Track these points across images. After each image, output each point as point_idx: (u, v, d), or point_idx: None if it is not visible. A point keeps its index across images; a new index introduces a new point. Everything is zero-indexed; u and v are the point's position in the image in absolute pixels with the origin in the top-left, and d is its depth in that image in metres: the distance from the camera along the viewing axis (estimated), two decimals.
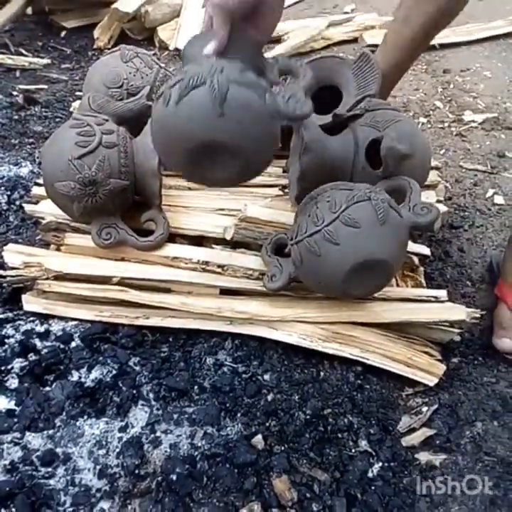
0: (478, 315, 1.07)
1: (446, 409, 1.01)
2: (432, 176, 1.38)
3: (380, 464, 0.92)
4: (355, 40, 2.46)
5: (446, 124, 1.91)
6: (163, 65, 1.29)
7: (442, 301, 1.09)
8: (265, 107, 0.82)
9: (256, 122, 0.82)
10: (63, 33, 2.32)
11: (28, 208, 1.20)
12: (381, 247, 0.92)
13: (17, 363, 1.01)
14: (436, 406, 1.01)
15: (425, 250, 1.21)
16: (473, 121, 1.92)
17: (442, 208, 1.28)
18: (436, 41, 2.41)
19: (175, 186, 1.26)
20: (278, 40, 2.39)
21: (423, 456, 0.94)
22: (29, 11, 2.35)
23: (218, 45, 0.86)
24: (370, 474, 0.91)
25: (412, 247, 1.20)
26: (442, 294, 1.10)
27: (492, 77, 2.22)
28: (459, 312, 1.05)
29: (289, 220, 1.12)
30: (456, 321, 1.06)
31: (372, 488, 0.89)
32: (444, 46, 2.43)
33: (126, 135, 1.08)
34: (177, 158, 0.85)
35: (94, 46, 2.25)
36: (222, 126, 0.79)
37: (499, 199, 1.55)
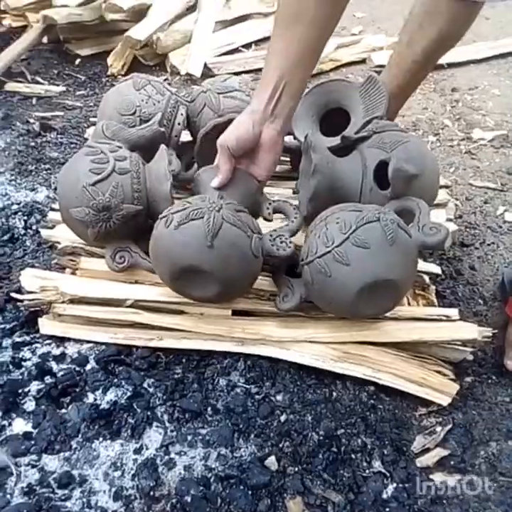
0: (490, 334, 1.07)
1: (461, 429, 1.01)
2: (442, 195, 1.39)
3: (395, 485, 0.92)
4: (363, 61, 2.49)
5: (455, 142, 1.92)
6: (174, 90, 1.32)
7: (454, 320, 1.09)
8: (250, 247, 0.98)
9: (240, 259, 0.97)
10: (78, 61, 2.38)
11: (45, 232, 1.23)
12: (390, 267, 0.92)
13: (34, 386, 1.03)
14: (450, 426, 1.01)
15: (436, 269, 1.22)
16: (482, 139, 1.93)
17: (452, 226, 1.29)
18: (444, 60, 2.44)
19: None
20: None
21: (438, 477, 0.93)
22: (45, 40, 2.42)
23: (221, 180, 1.06)
24: (384, 495, 0.90)
25: (423, 266, 1.20)
26: (454, 312, 1.10)
27: (501, 94, 2.24)
28: (471, 331, 1.05)
29: (299, 240, 1.14)
30: (468, 340, 1.06)
31: (387, 509, 0.88)
32: (452, 65, 2.45)
33: (138, 161, 1.11)
34: (167, 272, 1.00)
35: (108, 73, 2.30)
36: (209, 256, 0.94)
37: (510, 216, 1.55)
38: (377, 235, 0.92)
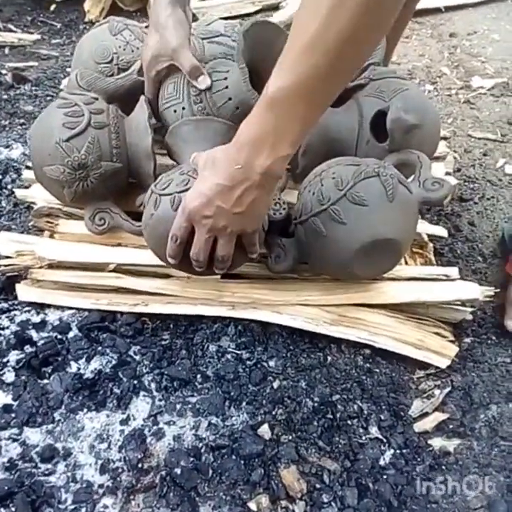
0: (492, 293, 1.02)
1: (460, 392, 0.98)
2: (441, 147, 1.32)
3: (392, 451, 0.89)
4: None
5: (453, 91, 1.84)
6: None
7: (453, 280, 1.04)
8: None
9: None
10: (53, 7, 2.24)
11: (20, 192, 1.16)
12: (391, 226, 0.87)
13: (13, 356, 0.98)
14: (448, 389, 0.98)
15: (442, 232, 1.16)
16: (481, 87, 1.85)
17: (452, 180, 1.22)
18: (441, 3, 2.32)
19: (170, 166, 1.20)
20: (275, 8, 2.30)
21: (436, 442, 0.90)
22: None
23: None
24: (381, 462, 0.87)
25: (427, 228, 1.15)
26: (454, 272, 1.05)
27: (500, 40, 2.13)
28: (472, 290, 1.01)
29: (291, 198, 1.07)
30: (469, 299, 1.02)
31: (384, 477, 0.85)
32: (449, 8, 2.33)
33: (117, 114, 1.02)
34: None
35: (85, 19, 2.17)
36: None
37: (510, 169, 1.49)
38: (376, 191, 0.86)
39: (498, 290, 1.06)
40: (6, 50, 1.93)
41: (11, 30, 2.06)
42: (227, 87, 1.05)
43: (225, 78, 1.06)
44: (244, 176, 0.74)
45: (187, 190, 0.86)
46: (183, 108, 1.06)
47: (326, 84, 0.68)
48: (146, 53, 1.03)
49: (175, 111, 1.05)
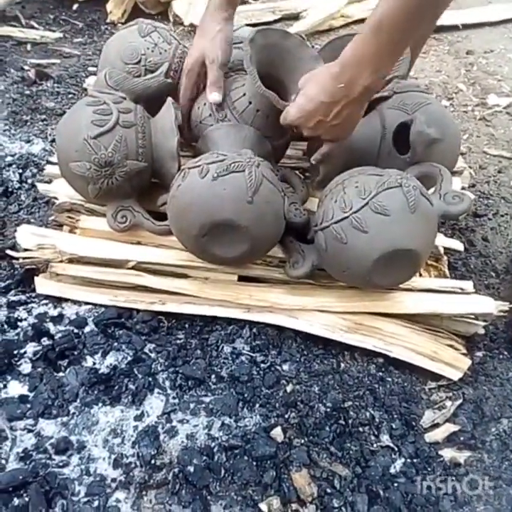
0: (506, 308, 1.03)
1: (471, 405, 0.98)
2: (458, 162, 1.33)
3: (403, 460, 0.89)
4: None
5: (469, 108, 1.85)
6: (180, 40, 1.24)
7: (468, 293, 1.05)
8: (282, 207, 0.96)
9: (274, 218, 0.95)
10: (75, 6, 2.26)
11: (41, 187, 1.17)
12: (411, 236, 0.88)
13: (30, 347, 0.99)
14: (460, 401, 0.98)
15: (458, 246, 1.17)
16: (497, 105, 1.86)
17: (471, 195, 1.24)
18: (459, 21, 2.35)
19: None
20: (296, 18, 2.32)
21: (447, 453, 0.91)
22: None
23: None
24: (392, 470, 0.88)
25: (444, 241, 1.16)
26: (468, 285, 1.06)
27: None
28: (487, 305, 1.02)
29: (312, 205, 1.08)
30: (483, 314, 1.02)
31: (395, 484, 0.86)
32: (467, 26, 2.35)
33: (144, 114, 1.04)
34: (196, 227, 0.91)
35: (107, 20, 2.19)
36: (248, 212, 0.89)
37: None
38: (398, 202, 0.87)
39: (511, 306, 1.07)
40: (29, 47, 1.95)
41: (33, 27, 2.08)
42: (244, 94, 1.08)
43: (243, 85, 1.08)
44: (345, 94, 0.86)
45: (216, 162, 0.90)
46: (210, 114, 1.09)
47: (424, 10, 0.78)
48: (191, 55, 1.11)
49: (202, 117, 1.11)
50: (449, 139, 1.06)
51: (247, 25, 2.19)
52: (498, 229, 1.38)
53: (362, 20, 2.35)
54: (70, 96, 1.68)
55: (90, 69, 1.83)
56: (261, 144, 1.05)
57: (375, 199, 0.87)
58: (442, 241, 1.15)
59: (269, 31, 1.04)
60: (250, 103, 1.07)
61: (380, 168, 0.97)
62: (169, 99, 1.07)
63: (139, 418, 0.91)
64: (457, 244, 1.17)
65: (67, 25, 2.15)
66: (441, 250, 1.14)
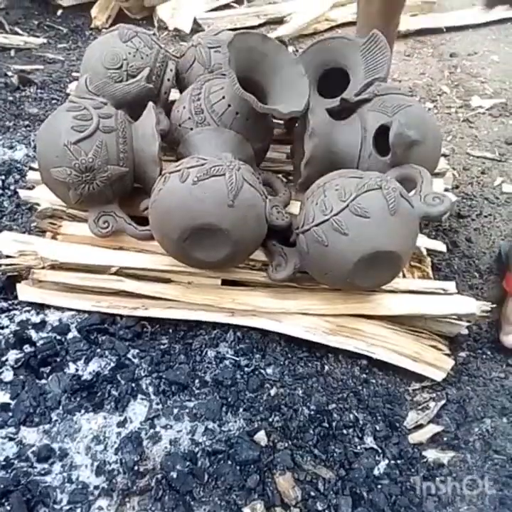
0: (488, 308, 1.04)
1: (454, 405, 0.99)
2: (440, 164, 1.34)
3: (387, 461, 0.90)
4: None
5: (453, 110, 1.86)
6: (162, 45, 1.24)
7: (451, 294, 1.06)
8: (264, 210, 0.96)
9: (255, 221, 0.95)
10: (59, 12, 2.26)
11: (23, 193, 1.16)
12: (391, 238, 0.88)
13: (12, 355, 0.98)
14: (443, 401, 0.99)
15: (441, 247, 1.18)
16: (480, 106, 1.88)
17: (452, 197, 1.24)
18: (442, 24, 2.36)
19: None
20: (280, 22, 2.33)
21: (431, 454, 0.91)
22: None
23: None
24: (376, 472, 0.88)
25: (426, 243, 1.17)
26: (451, 286, 1.06)
27: (500, 61, 2.17)
28: (469, 305, 1.02)
29: (293, 209, 1.09)
30: (465, 314, 1.03)
31: (379, 486, 0.86)
32: (450, 29, 2.37)
33: (125, 119, 1.04)
34: (177, 231, 0.92)
35: (92, 25, 2.19)
36: (229, 215, 0.89)
37: (507, 187, 1.51)
38: (378, 204, 0.87)
39: (494, 306, 1.07)
40: (12, 53, 1.94)
41: (17, 33, 2.07)
42: (224, 97, 1.08)
43: (222, 88, 1.09)
44: None
45: (196, 166, 0.90)
46: (189, 118, 1.09)
47: None
48: None
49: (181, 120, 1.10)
50: (430, 140, 1.06)
51: (231, 29, 2.20)
52: (481, 230, 1.38)
53: (346, 24, 2.37)
54: (54, 102, 1.68)
55: (74, 74, 1.82)
56: (241, 147, 1.06)
57: (355, 201, 0.87)
58: (425, 242, 1.16)
59: (248, 35, 1.04)
60: (229, 106, 1.07)
61: (360, 171, 0.97)
62: (150, 104, 1.07)
63: (122, 424, 0.91)
64: (440, 246, 1.18)
65: (52, 30, 2.14)
66: (424, 251, 1.15)
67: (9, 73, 1.79)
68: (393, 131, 1.00)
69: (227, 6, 2.41)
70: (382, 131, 1.04)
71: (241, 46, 1.03)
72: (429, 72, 2.10)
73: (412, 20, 2.39)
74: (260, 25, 2.31)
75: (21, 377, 0.95)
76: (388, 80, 1.18)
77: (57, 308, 1.05)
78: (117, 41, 1.17)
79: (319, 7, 2.34)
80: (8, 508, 0.79)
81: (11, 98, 1.67)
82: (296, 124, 1.27)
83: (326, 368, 1.02)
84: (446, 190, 1.35)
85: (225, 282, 1.07)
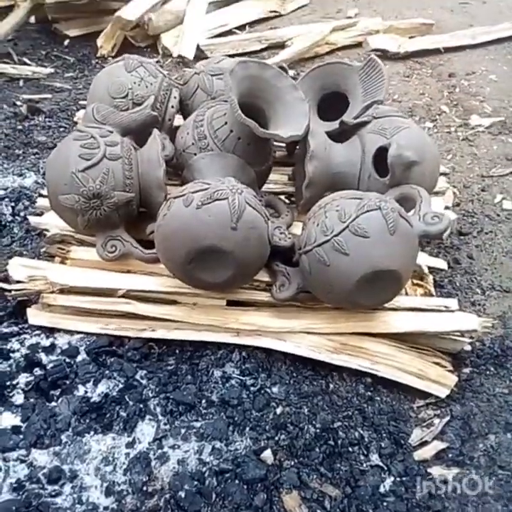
0: (490, 324, 1.05)
1: (459, 422, 0.99)
2: (440, 183, 1.36)
3: (392, 478, 0.90)
4: (359, 45, 2.44)
5: (452, 129, 1.89)
6: (166, 73, 1.28)
7: (453, 311, 1.07)
8: (267, 232, 0.98)
9: (258, 243, 0.97)
10: (66, 42, 2.32)
11: (33, 219, 1.19)
12: (391, 257, 0.90)
13: (22, 378, 1.00)
14: (448, 418, 0.99)
15: (442, 264, 1.19)
16: (480, 125, 1.90)
17: (452, 215, 1.26)
18: (441, 45, 2.41)
19: None
20: (282, 46, 2.38)
21: (436, 471, 0.92)
22: (32, 19, 2.35)
23: None
24: (381, 489, 0.89)
25: (428, 260, 1.18)
26: (453, 303, 1.08)
27: (498, 80, 2.20)
28: (471, 321, 1.04)
29: (296, 230, 1.11)
30: (468, 330, 1.04)
31: (385, 504, 0.87)
32: (448, 50, 2.41)
33: (130, 146, 1.07)
34: (182, 254, 0.95)
35: (98, 54, 2.25)
36: (232, 238, 0.93)
37: (508, 204, 1.53)
38: (377, 224, 0.90)
39: (496, 321, 1.08)
40: (21, 83, 2.00)
41: (25, 63, 2.13)
42: (226, 123, 1.11)
43: (224, 114, 1.12)
44: None
45: (200, 191, 0.93)
46: (193, 143, 1.12)
47: None
48: None
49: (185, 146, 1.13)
50: (428, 161, 1.09)
51: (235, 54, 2.25)
52: (482, 246, 1.40)
53: (346, 47, 2.42)
54: (62, 129, 1.72)
55: (81, 102, 1.87)
56: (244, 170, 1.09)
57: (355, 222, 0.90)
58: (426, 260, 1.18)
59: (249, 63, 1.08)
60: (231, 131, 1.10)
61: (361, 191, 1.00)
62: (155, 131, 1.10)
63: (130, 445, 0.92)
64: (441, 263, 1.19)
65: (59, 60, 2.20)
66: (426, 269, 1.16)
67: (18, 103, 1.84)
68: (391, 153, 1.03)
69: (229, 32, 2.47)
70: (381, 153, 1.07)
71: (242, 74, 1.06)
72: (429, 92, 2.13)
73: (411, 41, 2.43)
74: (262, 50, 2.36)
75: (32, 400, 0.97)
76: (388, 100, 1.21)
77: (66, 332, 1.08)
78: (123, 71, 1.21)
79: (319, 31, 2.39)
80: None
81: (20, 127, 1.72)
82: (297, 147, 1.31)
83: (331, 386, 1.03)
84: (446, 208, 1.37)
85: (230, 303, 1.09)
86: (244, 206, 0.93)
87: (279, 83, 1.11)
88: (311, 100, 1.30)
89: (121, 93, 1.18)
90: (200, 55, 2.24)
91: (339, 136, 1.18)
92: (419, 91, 2.15)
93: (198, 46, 2.28)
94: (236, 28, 2.50)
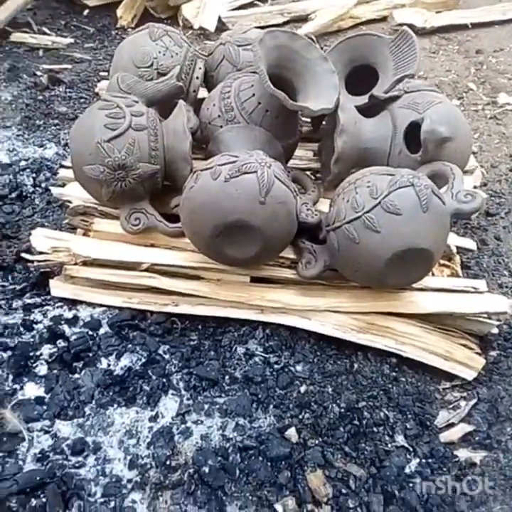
0: None
1: (486, 405, 0.98)
2: (469, 161, 1.32)
3: (418, 460, 0.89)
4: (384, 19, 2.37)
5: (480, 107, 1.84)
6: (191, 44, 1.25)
7: (481, 292, 1.05)
8: (295, 207, 0.96)
9: (286, 218, 0.95)
10: (86, 12, 2.28)
11: (55, 191, 1.18)
12: (424, 235, 0.87)
13: (46, 349, 1.00)
14: (475, 401, 0.98)
15: (471, 244, 1.17)
16: (508, 103, 1.85)
17: (483, 194, 1.23)
18: (468, 20, 2.34)
19: None
20: (305, 19, 2.32)
21: (462, 453, 0.91)
22: None
23: None
24: (407, 470, 0.88)
25: (456, 240, 1.16)
26: (482, 284, 1.06)
27: None
28: (501, 304, 1.01)
29: (323, 207, 1.09)
30: (496, 312, 1.02)
31: (411, 485, 0.86)
32: (476, 25, 2.34)
33: (156, 117, 1.04)
34: (209, 227, 0.93)
35: (118, 25, 2.20)
36: (260, 212, 0.90)
37: None
38: (410, 201, 0.87)
39: None
40: (40, 53, 1.97)
41: (45, 33, 2.10)
42: (253, 95, 1.08)
43: (252, 86, 1.09)
44: None
45: (228, 164, 0.91)
46: (219, 115, 1.09)
47: None
48: None
49: (211, 118, 1.10)
50: (461, 137, 1.05)
51: (256, 27, 2.20)
52: (510, 227, 1.37)
53: (370, 21, 2.36)
54: (82, 100, 1.70)
55: (101, 74, 1.84)
56: (271, 144, 1.06)
57: (387, 199, 0.87)
58: (455, 240, 1.15)
59: (278, 33, 1.04)
60: (259, 104, 1.07)
61: (391, 168, 0.97)
62: (181, 102, 1.08)
63: (153, 419, 0.92)
64: (470, 243, 1.17)
65: (78, 30, 2.17)
66: (454, 249, 1.14)
67: (38, 73, 1.81)
68: (425, 128, 0.99)
69: (251, 4, 2.41)
70: (413, 128, 1.04)
71: (271, 44, 1.03)
72: (455, 69, 2.08)
73: (437, 16, 2.36)
74: (284, 23, 2.30)
75: (55, 371, 0.97)
76: (414, 77, 1.17)
77: (89, 304, 1.07)
78: (147, 40, 1.18)
79: (343, 4, 2.32)
80: (44, 500, 0.80)
81: (40, 97, 1.69)
82: (324, 122, 1.27)
83: (356, 365, 1.02)
84: (475, 187, 1.33)
85: (254, 279, 1.07)
86: (273, 180, 0.91)
87: (308, 54, 1.07)
88: (339, 73, 1.26)
89: (146, 62, 1.15)
90: (221, 27, 2.20)
91: (368, 110, 1.14)
92: (446, 67, 2.09)
93: (219, 18, 2.24)
94: (258, 0, 2.45)
